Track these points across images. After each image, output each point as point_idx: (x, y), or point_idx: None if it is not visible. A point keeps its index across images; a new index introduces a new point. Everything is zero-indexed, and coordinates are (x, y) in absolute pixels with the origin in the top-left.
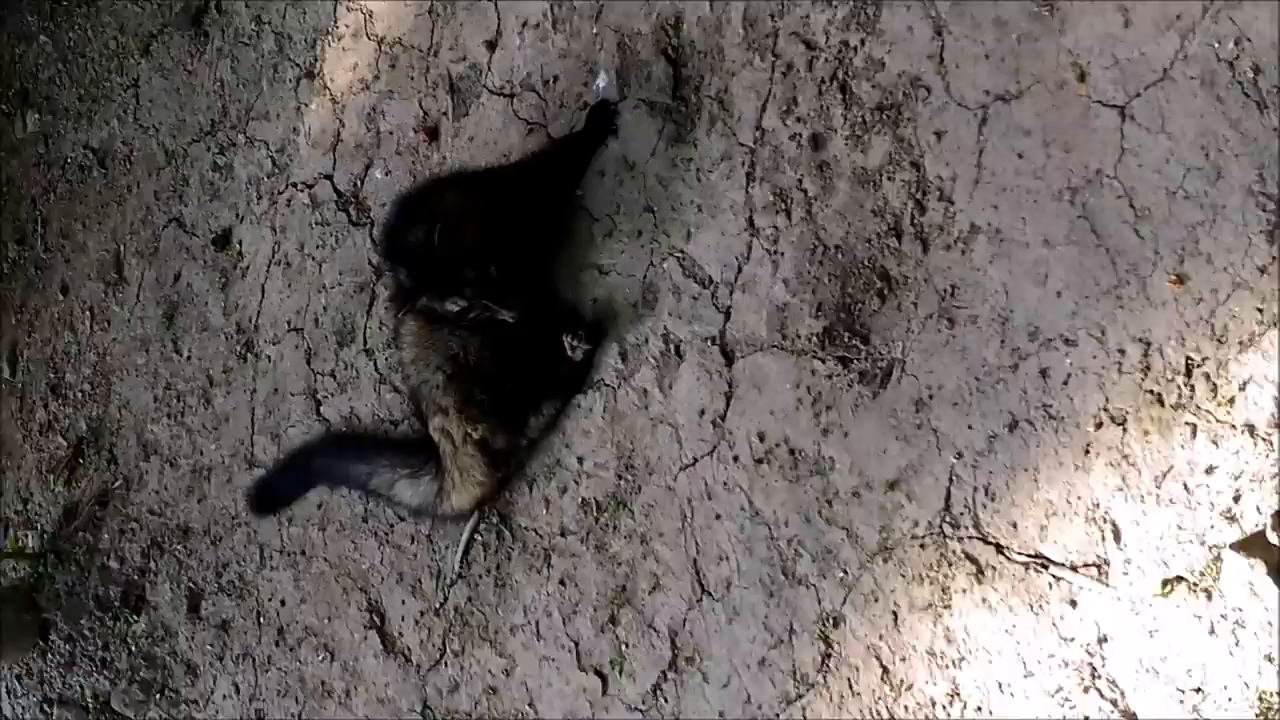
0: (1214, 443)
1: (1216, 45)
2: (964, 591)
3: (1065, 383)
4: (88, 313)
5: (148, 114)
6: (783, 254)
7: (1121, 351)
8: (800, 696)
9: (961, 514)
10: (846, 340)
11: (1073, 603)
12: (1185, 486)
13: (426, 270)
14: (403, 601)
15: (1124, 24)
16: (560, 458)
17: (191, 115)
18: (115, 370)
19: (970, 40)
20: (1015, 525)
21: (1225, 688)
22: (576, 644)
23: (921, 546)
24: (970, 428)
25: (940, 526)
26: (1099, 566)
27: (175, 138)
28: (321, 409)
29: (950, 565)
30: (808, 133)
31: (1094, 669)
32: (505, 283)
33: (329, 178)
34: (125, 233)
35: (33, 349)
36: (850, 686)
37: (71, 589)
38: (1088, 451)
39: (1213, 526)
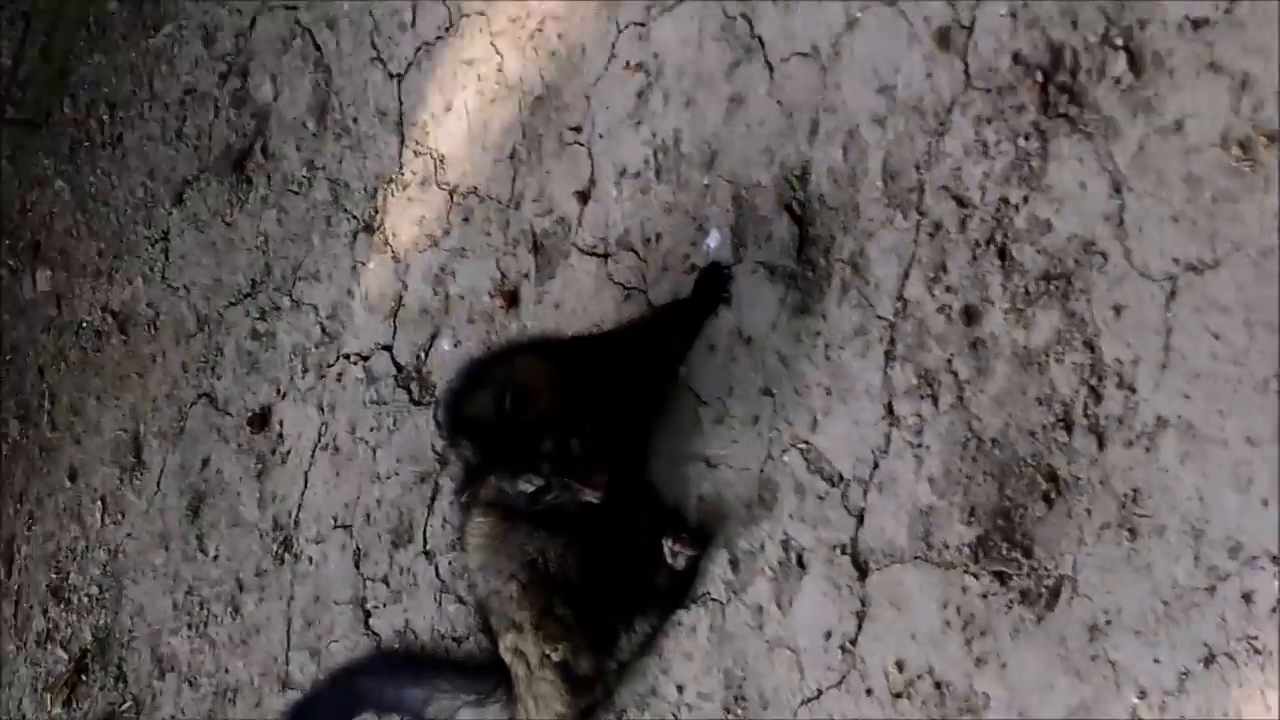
0: None
1: None
2: None
3: (1275, 610)
4: (99, 503)
5: (178, 272)
6: (928, 448)
7: None
8: None
9: None
10: (1005, 552)
11: None
12: None
13: (496, 442)
14: None
15: None
16: (656, 685)
17: (229, 274)
18: (128, 571)
19: (1155, 199)
20: None
21: None
22: None
23: None
24: (1156, 661)
25: None
26: None
27: (209, 300)
28: (371, 621)
29: None
30: (959, 304)
31: None
32: (590, 458)
33: (388, 349)
34: (146, 410)
35: (32, 544)
36: None
37: None
38: None
39: None
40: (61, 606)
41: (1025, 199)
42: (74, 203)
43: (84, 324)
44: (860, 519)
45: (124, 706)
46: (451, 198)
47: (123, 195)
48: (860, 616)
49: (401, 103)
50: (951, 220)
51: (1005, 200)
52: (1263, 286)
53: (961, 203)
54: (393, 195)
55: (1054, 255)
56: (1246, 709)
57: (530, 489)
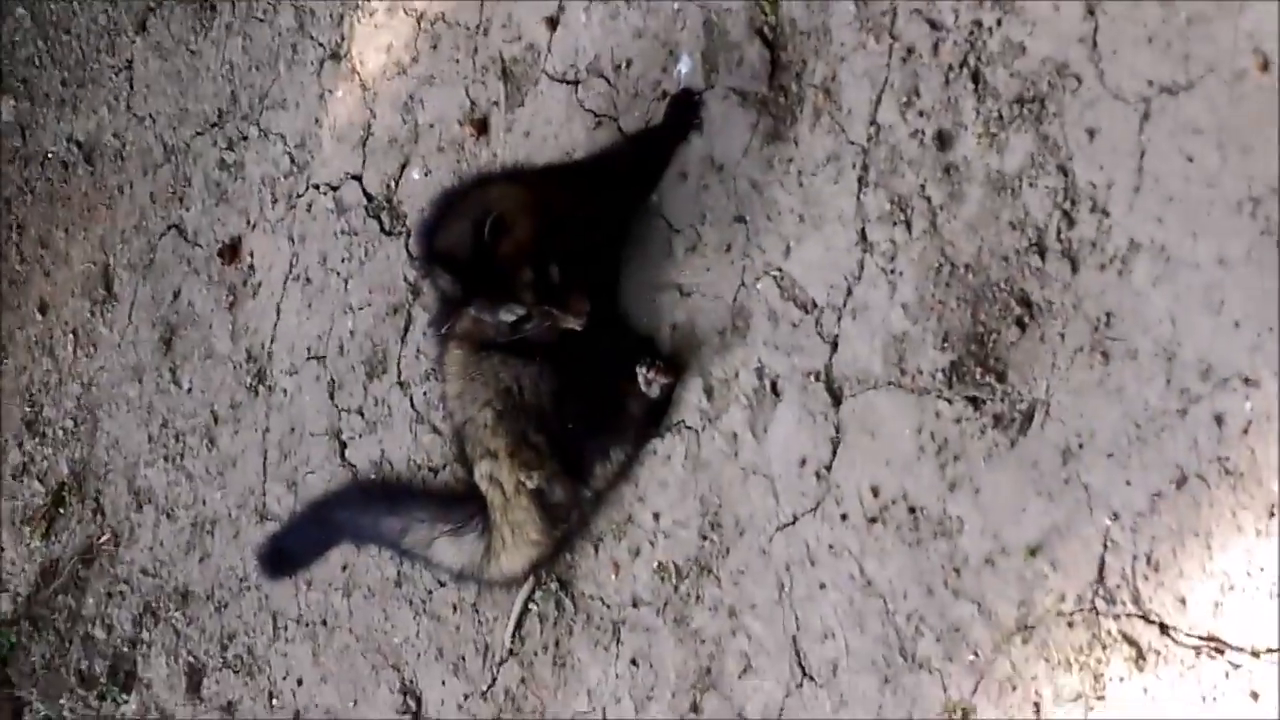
0: None
1: None
2: (1121, 680)
3: (1245, 431)
4: (70, 336)
5: (143, 102)
6: (901, 273)
7: None
8: None
9: (1118, 586)
10: (978, 377)
11: (1254, 694)
12: None
13: (476, 272)
14: (443, 682)
15: None
16: (632, 513)
17: (195, 103)
18: (102, 404)
19: (1129, 21)
20: (1184, 601)
21: None
22: None
23: (1069, 625)
24: (1129, 484)
25: (1092, 601)
26: None
27: (175, 130)
28: (347, 452)
29: (1104, 648)
30: (932, 129)
31: None
32: (569, 285)
33: (357, 178)
34: (115, 241)
35: (5, 378)
36: None
37: (49, 662)
38: (1272, 514)
39: None
40: (36, 440)
41: (998, 22)
42: (35, 30)
43: (49, 155)
44: (834, 346)
45: (102, 539)
46: (419, 24)
47: (85, 23)
48: (834, 443)
49: None
50: (924, 44)
51: (978, 23)
52: (1236, 108)
53: (934, 26)
54: (359, 22)
55: (1027, 78)
56: (1218, 529)
57: (511, 318)
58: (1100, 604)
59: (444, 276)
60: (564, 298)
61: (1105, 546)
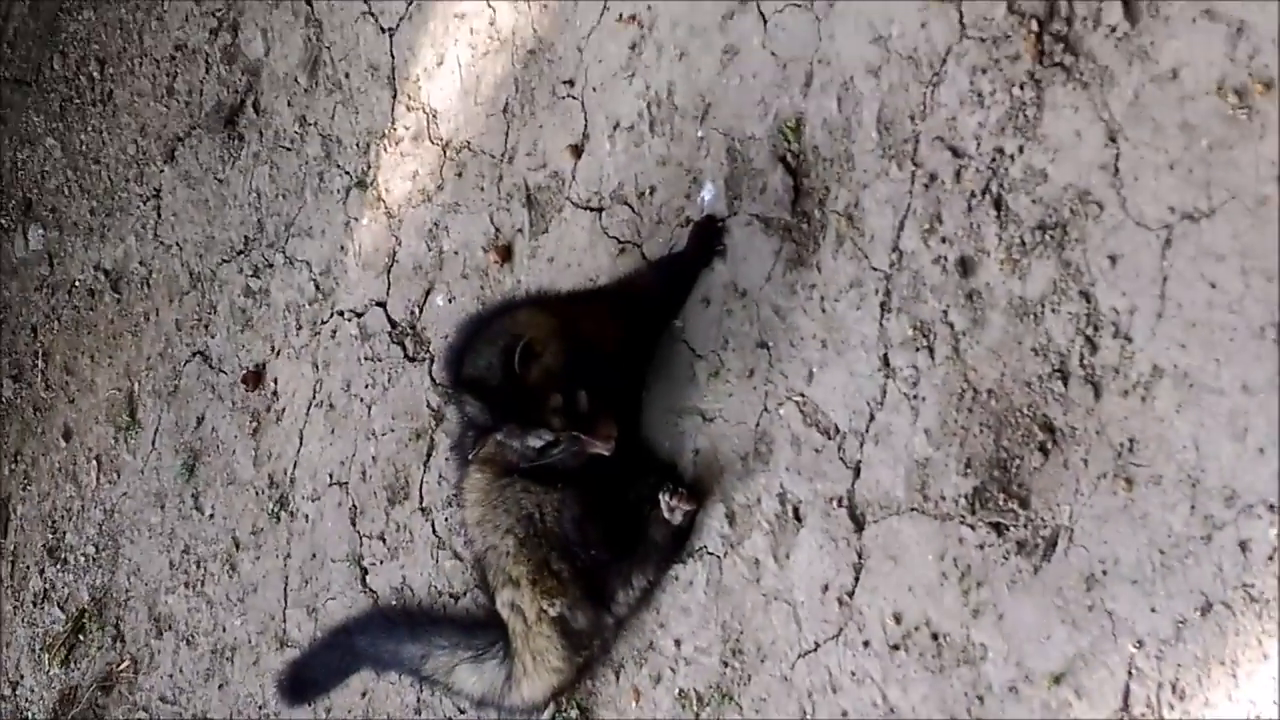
0: None
1: None
2: None
3: (1270, 557)
4: (94, 462)
5: (170, 230)
6: (924, 399)
7: None
8: None
9: (1143, 715)
10: (1001, 503)
11: None
12: None
13: (505, 398)
14: None
15: None
16: (654, 639)
17: (221, 231)
18: (124, 530)
19: (1151, 148)
20: None
21: None
22: None
23: None
24: (1153, 610)
25: None
26: None
27: (202, 258)
28: (368, 578)
29: None
30: (955, 255)
31: None
32: (597, 411)
33: (382, 305)
34: (140, 368)
35: (28, 504)
36: None
37: None
38: None
39: None
40: (58, 566)
41: (1020, 149)
42: (65, 160)
43: (77, 283)
44: (856, 471)
45: (122, 666)
46: (444, 152)
47: (114, 152)
48: (857, 569)
49: (393, 57)
50: (946, 171)
51: (1000, 150)
52: (1259, 234)
53: (956, 153)
54: (385, 151)
55: (1049, 205)
56: (1244, 657)
57: (539, 444)
58: None
59: (472, 402)
60: (592, 423)
61: (1130, 674)
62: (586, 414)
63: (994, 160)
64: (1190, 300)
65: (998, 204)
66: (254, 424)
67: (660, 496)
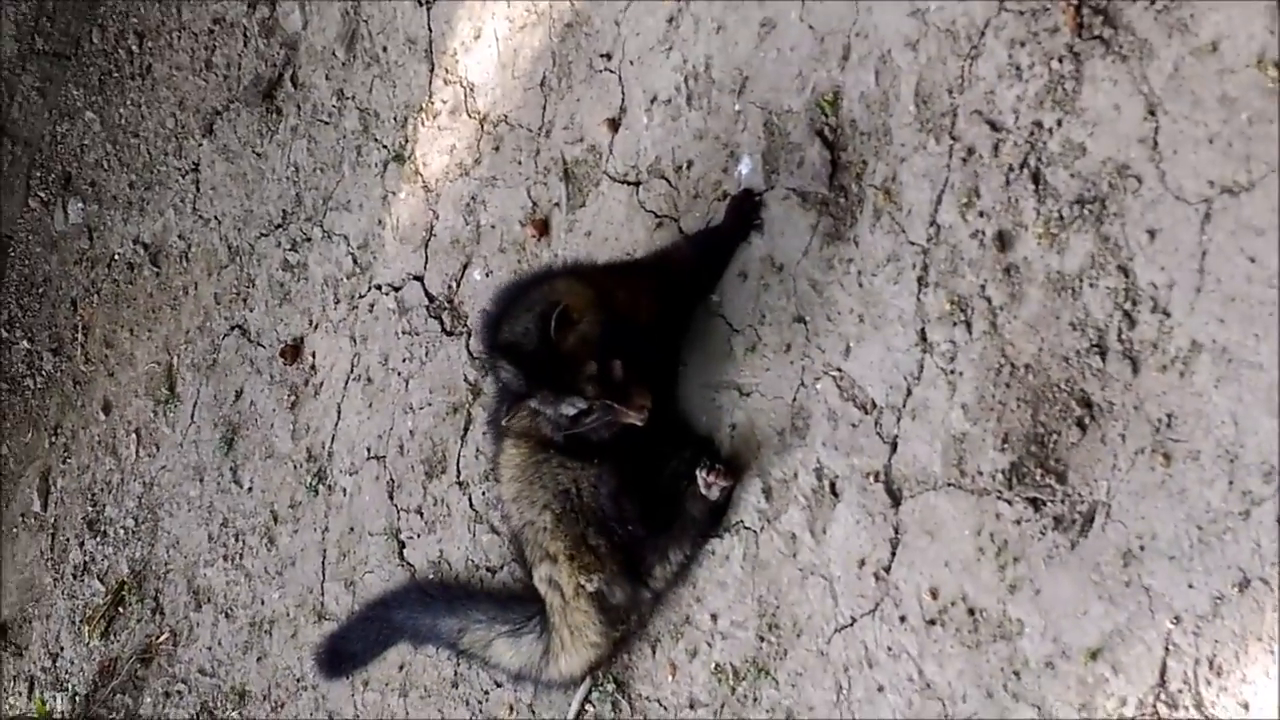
0: None
1: None
2: None
3: None
4: (133, 435)
5: (209, 204)
6: (961, 374)
7: None
8: None
9: (1180, 691)
10: (1039, 478)
11: None
12: None
13: (539, 364)
14: None
15: None
16: (690, 614)
17: (260, 205)
18: (164, 503)
19: (1190, 121)
20: (1246, 706)
21: None
22: None
23: None
24: (1191, 586)
25: (1154, 706)
26: None
27: (240, 231)
28: (405, 552)
29: None
30: (992, 230)
31: None
32: (631, 380)
33: (419, 279)
34: (179, 342)
35: (68, 477)
36: None
37: None
38: None
39: None
40: (98, 539)
41: (1059, 122)
42: (104, 134)
43: (116, 256)
44: (893, 446)
45: (161, 638)
46: (482, 126)
47: (153, 126)
48: (894, 544)
49: (431, 30)
50: (984, 144)
51: (1039, 124)
52: None
53: (995, 127)
54: (423, 124)
55: (1088, 179)
56: None
57: (573, 412)
58: (1162, 709)
59: (507, 368)
60: (626, 392)
61: (1167, 650)
62: (620, 383)
63: (1032, 134)
64: (1229, 275)
65: (1036, 178)
66: (292, 398)
67: (697, 472)
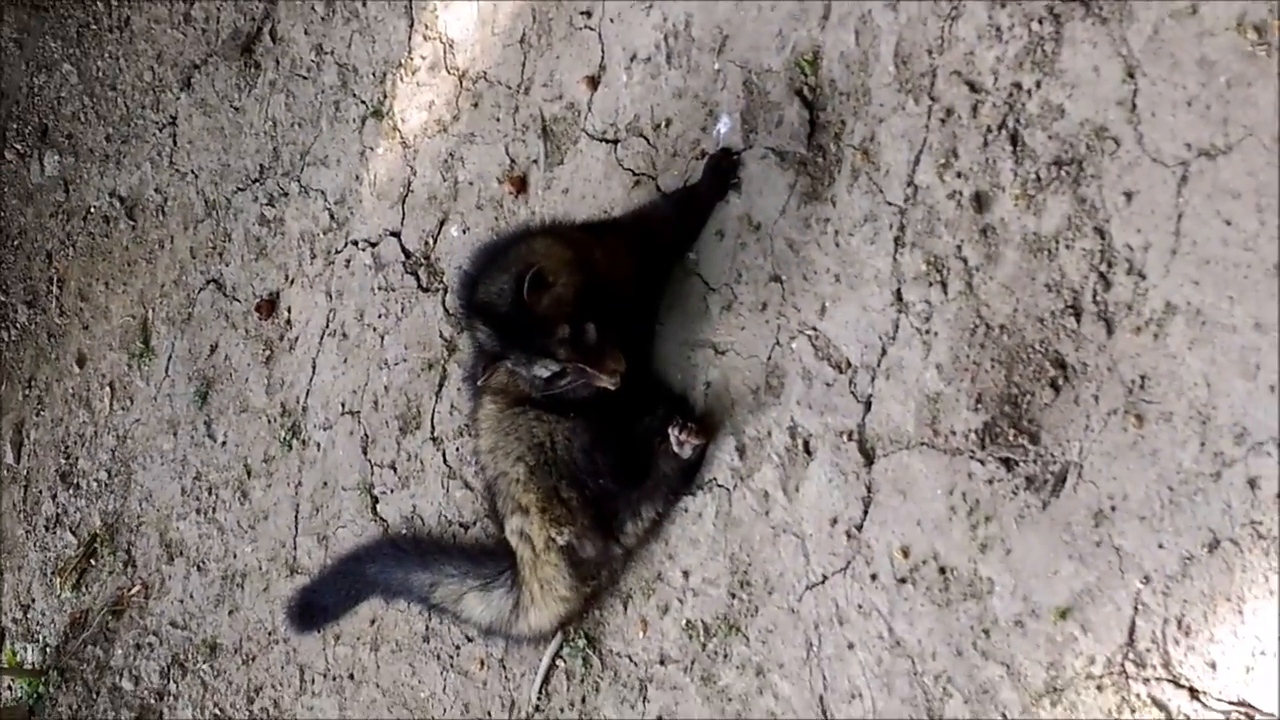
0: None
1: None
2: None
3: (1279, 495)
4: (107, 389)
5: (186, 157)
6: (936, 334)
7: None
8: None
9: (1148, 650)
10: (1011, 439)
11: None
12: None
13: (513, 325)
14: None
15: None
16: (662, 571)
17: (237, 159)
18: (137, 457)
19: (1168, 84)
20: (1214, 665)
21: None
22: None
23: (1099, 688)
24: (1161, 547)
25: (1122, 665)
26: None
27: (217, 185)
28: (379, 507)
29: (1133, 712)
30: (969, 190)
31: None
32: (605, 344)
33: (396, 235)
34: (155, 296)
35: (41, 429)
36: None
37: (77, 713)
38: None
39: None
40: (70, 491)
41: (1038, 84)
42: (81, 87)
43: (92, 209)
44: (867, 405)
45: (133, 590)
46: (461, 83)
47: (130, 79)
48: (866, 503)
49: None
50: (963, 106)
51: (1018, 85)
52: (1275, 172)
53: (973, 88)
54: (402, 80)
55: (1066, 141)
56: (1250, 594)
57: (546, 374)
58: (1130, 668)
59: (482, 328)
60: (600, 356)
61: (1136, 610)
62: (594, 346)
63: (1011, 95)
64: (1205, 237)
65: (1014, 139)
66: (267, 352)
67: (669, 430)
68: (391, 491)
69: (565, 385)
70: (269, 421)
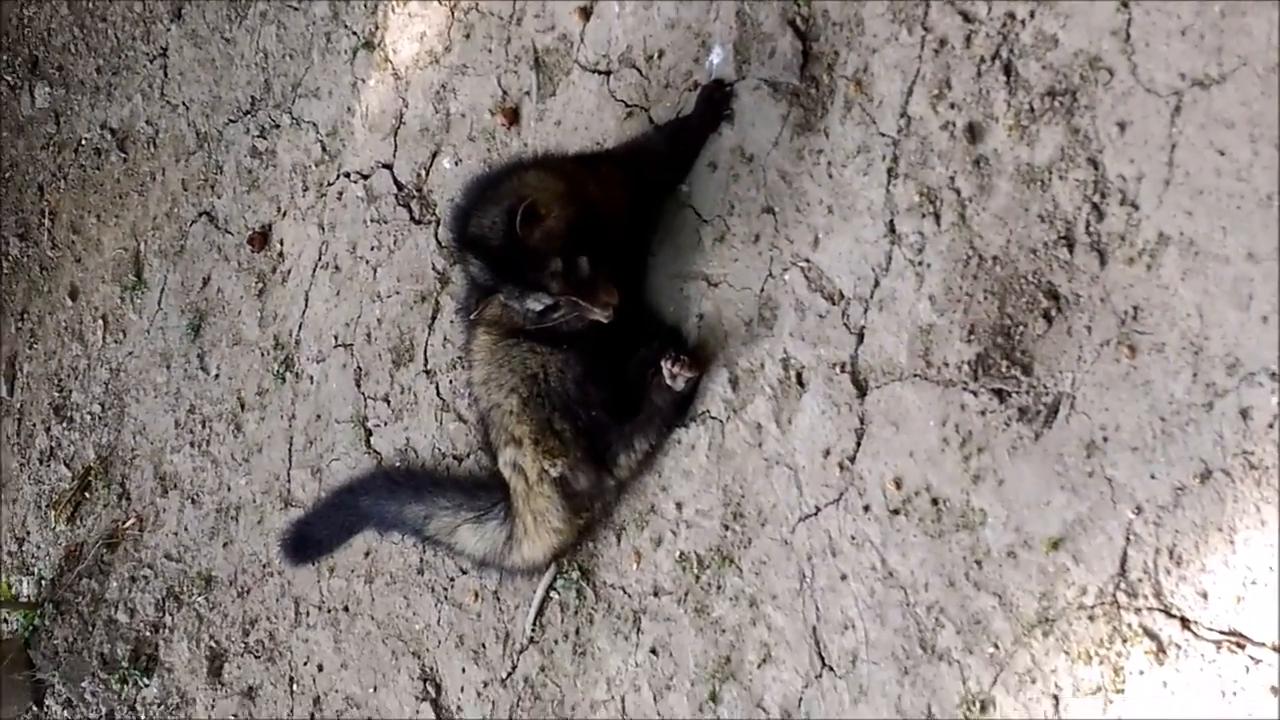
0: None
1: None
2: (1141, 674)
3: (1271, 425)
4: (100, 321)
5: (177, 89)
6: (929, 265)
7: None
8: None
9: (1140, 580)
10: (1004, 370)
11: (1275, 690)
12: None
13: (506, 259)
14: (463, 670)
15: None
16: (655, 503)
17: (228, 91)
18: (130, 390)
19: (1163, 13)
20: (1205, 595)
21: None
22: None
23: (1090, 618)
24: (1153, 477)
25: (1114, 595)
26: None
27: (208, 117)
28: (372, 439)
29: (1125, 642)
30: (963, 121)
31: None
32: (598, 277)
33: (388, 167)
34: (147, 228)
35: (34, 363)
36: None
37: (72, 645)
38: None
39: None
40: (64, 425)
41: (1032, 14)
42: (72, 18)
43: (83, 141)
44: (860, 337)
45: (127, 523)
46: (452, 14)
47: (120, 10)
48: (859, 434)
49: None
50: (957, 36)
51: (1011, 15)
52: (1269, 102)
53: (967, 18)
54: (393, 11)
55: (1059, 71)
56: (1241, 524)
57: (539, 307)
58: (1122, 598)
59: (474, 262)
60: (592, 289)
61: (1128, 540)
62: (586, 280)
63: (1005, 25)
64: (1198, 168)
65: (1007, 70)
66: (259, 285)
67: (662, 363)
68: (385, 424)
69: (558, 318)
70: (262, 354)
